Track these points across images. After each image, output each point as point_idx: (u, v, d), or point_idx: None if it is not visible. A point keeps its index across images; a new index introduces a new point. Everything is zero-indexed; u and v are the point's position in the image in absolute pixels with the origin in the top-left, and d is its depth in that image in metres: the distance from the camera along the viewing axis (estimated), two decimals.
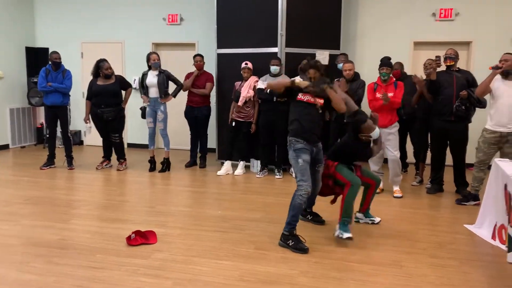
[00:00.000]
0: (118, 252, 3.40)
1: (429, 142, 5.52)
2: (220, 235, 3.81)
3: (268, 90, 5.77)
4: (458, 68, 5.12)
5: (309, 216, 4.23)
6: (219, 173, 6.25)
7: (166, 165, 6.41)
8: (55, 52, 6.31)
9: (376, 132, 3.84)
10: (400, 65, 6.03)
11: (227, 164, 6.35)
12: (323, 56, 6.27)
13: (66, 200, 4.87)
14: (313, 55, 6.21)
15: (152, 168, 6.40)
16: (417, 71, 6.38)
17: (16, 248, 3.43)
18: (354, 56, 7.08)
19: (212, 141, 6.99)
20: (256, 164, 6.41)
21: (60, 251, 3.39)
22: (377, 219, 4.22)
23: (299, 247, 3.45)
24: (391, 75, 5.10)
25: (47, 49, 8.28)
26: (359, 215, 4.21)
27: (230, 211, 4.51)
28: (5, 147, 8.11)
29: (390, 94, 4.97)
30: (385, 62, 5.05)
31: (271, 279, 2.96)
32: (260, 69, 6.10)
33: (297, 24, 6.20)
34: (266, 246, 3.57)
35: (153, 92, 6.19)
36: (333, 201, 4.03)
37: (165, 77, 6.16)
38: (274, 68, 5.97)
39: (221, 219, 4.25)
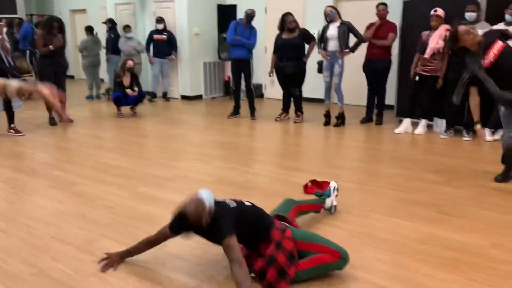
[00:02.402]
0: (295, 197, 3.54)
1: None
2: (398, 194, 3.63)
3: None
4: None
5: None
6: (397, 130, 5.92)
7: (341, 120, 6.36)
8: (251, 9, 6.70)
9: None
10: None
11: (407, 121, 5.96)
12: None
13: (249, 147, 5.28)
14: None
15: (327, 122, 6.43)
16: None
17: (209, 184, 3.89)
18: None
19: (390, 97, 6.61)
20: (440, 124, 5.85)
21: (244, 191, 3.71)
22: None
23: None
24: None
25: (235, 6, 8.86)
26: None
27: (410, 171, 4.24)
28: (199, 97, 9.16)
29: None
30: None
31: (455, 246, 2.71)
32: (454, 16, 5.39)
33: None
34: (450, 210, 3.26)
35: (333, 45, 6.08)
36: None
37: (346, 29, 5.97)
38: (469, 15, 5.23)
39: (399, 178, 4.04)
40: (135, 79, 7.16)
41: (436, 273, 2.41)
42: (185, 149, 5.12)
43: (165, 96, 8.95)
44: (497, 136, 5.39)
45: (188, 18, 8.64)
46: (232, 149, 5.16)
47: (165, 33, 8.54)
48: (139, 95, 7.14)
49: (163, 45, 8.56)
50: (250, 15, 6.65)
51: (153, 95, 8.88)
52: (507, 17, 5.09)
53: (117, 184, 3.94)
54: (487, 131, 5.45)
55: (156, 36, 8.56)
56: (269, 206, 3.35)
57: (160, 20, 8.49)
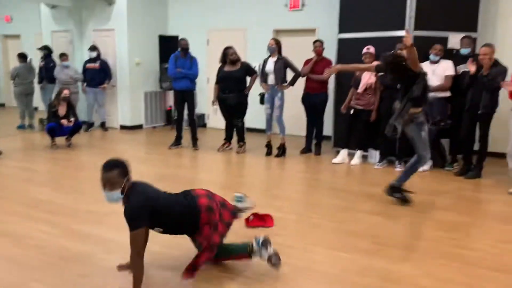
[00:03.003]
0: (237, 232, 3.52)
1: None
2: (337, 226, 3.73)
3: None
4: None
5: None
6: (334, 161, 6.13)
7: (282, 151, 6.48)
8: (183, 39, 6.77)
9: None
10: None
11: (343, 152, 6.19)
12: (456, 40, 5.70)
13: (190, 178, 5.21)
14: (445, 39, 5.70)
15: (269, 153, 6.53)
16: None
17: None
18: (494, 39, 6.29)
19: (328, 129, 6.87)
20: (374, 155, 6.14)
21: None
22: None
23: (404, 199, 4.22)
24: None
25: (177, 37, 8.89)
26: None
27: (346, 202, 4.39)
28: (140, 127, 8.98)
29: None
30: None
31: (390, 277, 2.81)
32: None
33: (428, 5, 5.71)
34: (386, 241, 3.40)
35: (271, 79, 6.27)
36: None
37: (282, 64, 6.17)
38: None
39: (337, 209, 4.16)
40: (71, 108, 6.90)
41: None
42: None
43: (103, 126, 8.68)
44: (427, 167, 5.74)
45: (129, 48, 8.55)
46: (173, 181, 5.07)
47: (98, 62, 8.38)
48: (76, 126, 6.87)
49: (96, 73, 8.37)
50: (184, 48, 6.70)
51: (89, 125, 8.58)
52: (431, 57, 5.53)
53: (48, 221, 3.72)
54: None
55: (89, 65, 8.37)
56: None
57: (93, 48, 8.34)
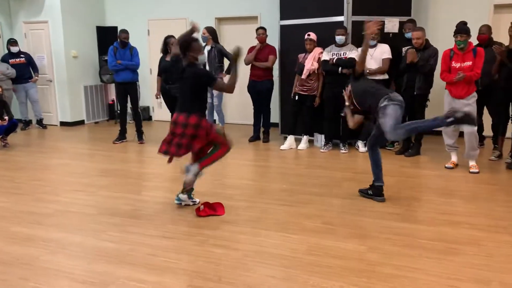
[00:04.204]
0: (188, 222, 3.51)
1: (511, 113, 5.10)
2: (287, 209, 3.80)
3: (334, 60, 5.65)
4: None
5: (369, 191, 4.08)
6: (282, 147, 6.22)
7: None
8: (124, 32, 6.53)
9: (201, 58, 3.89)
10: (488, 28, 5.47)
11: (290, 138, 6.29)
12: (392, 24, 5.93)
13: (138, 173, 5.09)
14: (382, 23, 5.90)
15: None
16: (498, 37, 5.84)
17: (93, 217, 3.65)
18: (426, 22, 6.63)
19: (275, 116, 6.94)
20: (320, 139, 6.29)
21: (134, 221, 3.55)
22: (197, 200, 3.96)
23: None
24: (469, 42, 4.70)
25: (115, 27, 8.58)
26: (182, 196, 3.89)
27: (295, 186, 4.48)
28: (81, 122, 8.63)
29: (468, 63, 4.61)
30: (460, 28, 4.66)
31: (339, 254, 2.91)
32: (325, 39, 5.90)
33: None
34: (333, 221, 3.51)
35: (209, 69, 6.22)
36: (170, 161, 3.84)
37: (216, 52, 6.10)
38: (339, 38, 5.75)
39: (286, 193, 4.23)
40: (4, 106, 6.48)
41: (324, 282, 2.56)
42: (66, 181, 4.76)
43: (40, 123, 8.25)
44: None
45: (65, 40, 8.14)
46: (119, 176, 4.93)
47: (22, 56, 7.92)
48: (11, 124, 6.47)
49: (23, 68, 7.91)
50: (123, 40, 6.49)
51: (26, 123, 8.12)
52: (371, 42, 5.69)
53: None
54: (360, 143, 5.99)
55: (12, 61, 7.86)
56: (161, 234, 3.26)
57: (15, 42, 7.87)
